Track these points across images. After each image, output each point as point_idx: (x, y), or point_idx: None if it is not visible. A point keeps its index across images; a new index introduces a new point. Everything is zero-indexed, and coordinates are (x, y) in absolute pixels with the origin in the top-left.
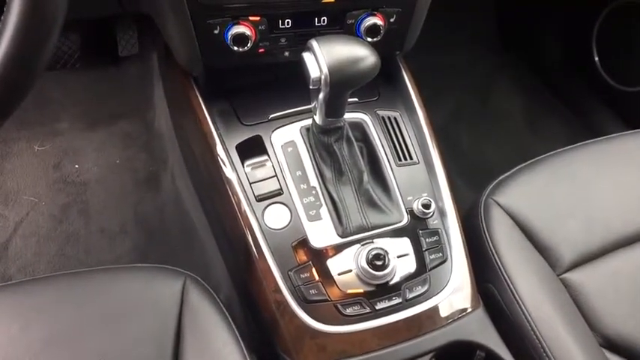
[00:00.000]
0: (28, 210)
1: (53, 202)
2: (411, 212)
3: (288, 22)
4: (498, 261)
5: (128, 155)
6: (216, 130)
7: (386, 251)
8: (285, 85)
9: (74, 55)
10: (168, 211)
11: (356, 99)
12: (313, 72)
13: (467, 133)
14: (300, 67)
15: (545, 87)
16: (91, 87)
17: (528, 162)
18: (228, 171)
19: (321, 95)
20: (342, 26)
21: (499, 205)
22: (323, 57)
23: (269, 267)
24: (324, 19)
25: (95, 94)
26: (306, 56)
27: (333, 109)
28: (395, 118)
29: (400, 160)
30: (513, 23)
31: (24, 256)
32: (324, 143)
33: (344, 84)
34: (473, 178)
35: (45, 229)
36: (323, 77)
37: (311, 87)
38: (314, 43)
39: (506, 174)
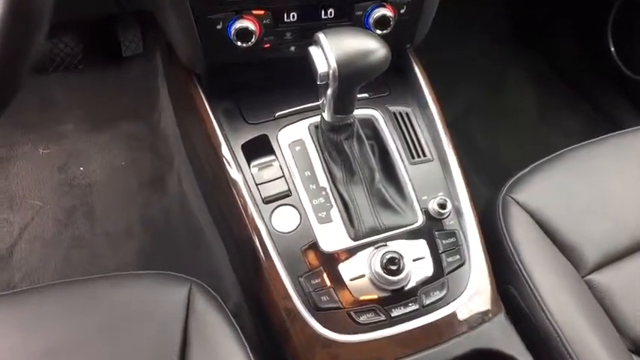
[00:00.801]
0: (33, 214)
1: (58, 205)
2: (426, 212)
3: (293, 15)
4: (519, 262)
5: (133, 157)
6: (221, 129)
7: (401, 255)
8: (291, 82)
9: (77, 56)
10: (174, 213)
11: (366, 94)
12: (321, 66)
13: (479, 129)
14: (307, 62)
15: (559, 79)
16: (94, 88)
17: (547, 158)
18: (233, 172)
19: (329, 91)
20: (350, 18)
21: (518, 202)
22: (331, 50)
23: (278, 273)
24: (331, 12)
25: (99, 95)
26: (313, 50)
27: (343, 105)
28: (407, 114)
29: (413, 157)
30: (525, 15)
31: (29, 262)
32: (334, 141)
33: (353, 78)
34: (487, 174)
35: (50, 234)
36: (331, 72)
37: (319, 82)
38: (321, 36)
39: (523, 170)
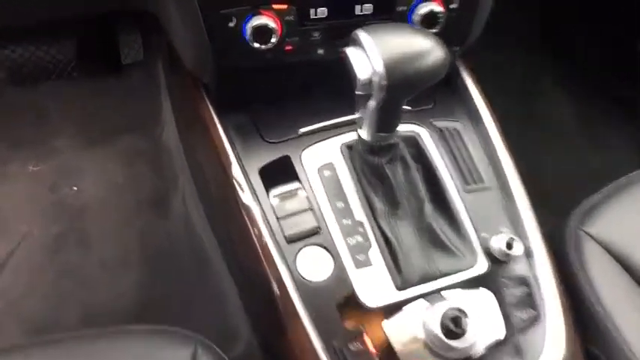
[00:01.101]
0: (19, 239)
1: (48, 229)
2: (488, 254)
3: (322, 10)
4: (604, 316)
5: (133, 174)
6: (233, 149)
7: (464, 312)
8: (318, 91)
9: (70, 63)
10: (177, 237)
11: (407, 107)
12: (362, 72)
13: (515, 143)
14: (339, 67)
15: (597, 89)
16: (91, 98)
17: (618, 181)
18: (248, 202)
19: (371, 103)
20: (390, 15)
21: (592, 237)
22: (376, 52)
23: (308, 337)
24: (368, 7)
25: (96, 106)
26: (352, 52)
27: (388, 120)
28: (456, 130)
29: (468, 183)
30: (557, 21)
31: (13, 293)
32: (373, 165)
33: (404, 87)
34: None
35: (38, 262)
36: (376, 79)
37: (359, 92)
38: (362, 34)
39: (593, 197)
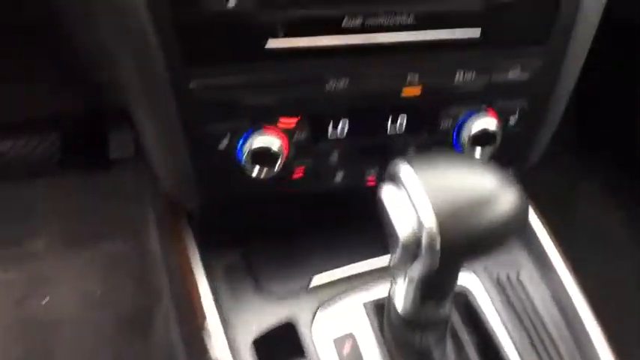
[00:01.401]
0: None
1: (7, 354)
2: None
3: (343, 124)
4: None
5: (113, 285)
6: (217, 306)
7: None
8: (335, 227)
9: (54, 157)
10: None
11: None
12: (403, 227)
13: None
14: (363, 193)
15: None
16: (74, 197)
17: None
18: None
19: (416, 269)
20: (431, 132)
21: None
22: (425, 196)
23: None
24: (401, 121)
25: (79, 205)
26: (389, 194)
27: (437, 289)
28: (519, 282)
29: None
30: (595, 117)
31: None
32: (413, 345)
33: (465, 250)
34: None
35: None
36: (426, 238)
37: (399, 255)
38: (404, 168)
39: None
